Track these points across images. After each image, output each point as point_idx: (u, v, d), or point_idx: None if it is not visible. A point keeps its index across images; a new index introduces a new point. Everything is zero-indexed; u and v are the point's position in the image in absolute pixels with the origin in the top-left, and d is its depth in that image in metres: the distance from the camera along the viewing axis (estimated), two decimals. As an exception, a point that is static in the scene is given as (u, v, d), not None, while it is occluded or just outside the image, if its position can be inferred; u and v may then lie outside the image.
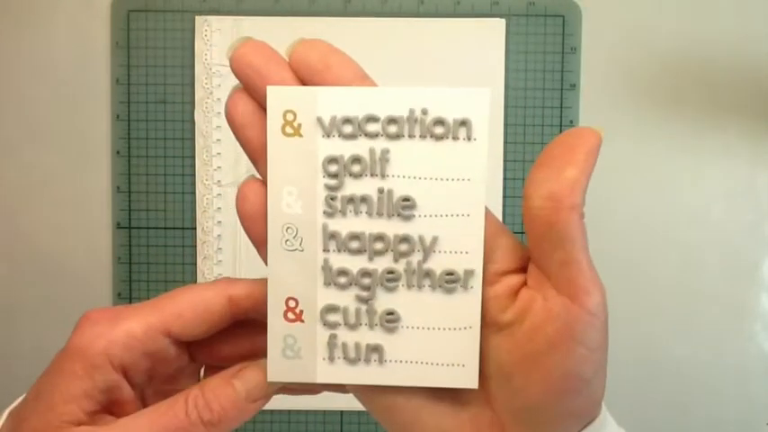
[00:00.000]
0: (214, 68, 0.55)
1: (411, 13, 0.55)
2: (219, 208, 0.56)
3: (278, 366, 0.25)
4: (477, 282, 0.24)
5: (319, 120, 0.24)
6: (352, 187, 0.24)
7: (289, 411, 0.57)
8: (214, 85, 0.55)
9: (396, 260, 0.25)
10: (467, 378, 0.24)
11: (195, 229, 0.56)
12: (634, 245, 0.56)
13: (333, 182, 0.24)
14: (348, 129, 0.24)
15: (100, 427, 0.24)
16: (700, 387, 0.57)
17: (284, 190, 0.25)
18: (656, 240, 0.56)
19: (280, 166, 0.24)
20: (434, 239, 0.25)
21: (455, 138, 0.24)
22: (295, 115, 0.24)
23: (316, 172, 0.24)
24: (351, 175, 0.24)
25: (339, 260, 0.25)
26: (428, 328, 0.25)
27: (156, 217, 0.56)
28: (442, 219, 0.24)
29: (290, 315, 0.25)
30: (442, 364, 0.25)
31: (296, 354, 0.25)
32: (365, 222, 0.25)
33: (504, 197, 0.56)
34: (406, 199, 0.24)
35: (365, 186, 0.24)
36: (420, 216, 0.24)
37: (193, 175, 0.56)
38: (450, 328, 0.25)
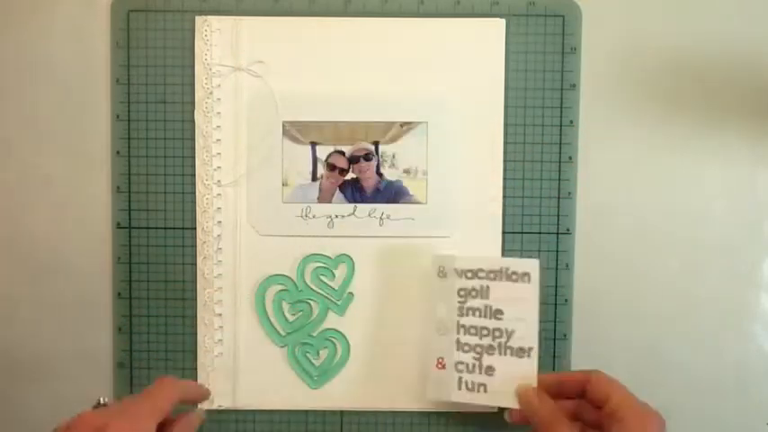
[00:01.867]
0: (214, 68, 0.55)
1: (411, 13, 0.55)
2: (219, 208, 0.56)
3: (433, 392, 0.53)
4: (534, 353, 0.49)
5: (455, 270, 0.51)
6: (471, 303, 0.51)
7: (289, 411, 0.57)
8: (214, 85, 0.55)
9: (493, 340, 0.50)
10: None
11: (195, 229, 0.56)
12: (634, 245, 0.56)
13: (461, 300, 0.51)
14: (469, 275, 0.50)
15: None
16: (700, 387, 0.57)
17: (437, 306, 0.52)
18: (656, 240, 0.56)
19: (436, 293, 0.53)
20: (512, 330, 0.50)
21: (521, 281, 0.49)
22: (444, 268, 0.52)
23: (453, 295, 0.51)
24: (470, 296, 0.51)
25: (465, 339, 0.51)
26: (509, 376, 0.50)
27: (156, 217, 0.56)
28: (516, 320, 0.50)
29: (439, 366, 0.52)
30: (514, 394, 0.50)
31: (440, 385, 0.52)
32: (477, 320, 0.50)
33: (504, 197, 0.56)
34: (499, 311, 0.50)
35: (478, 303, 0.50)
36: (505, 318, 0.50)
37: (193, 175, 0.56)
38: (519, 377, 0.50)
